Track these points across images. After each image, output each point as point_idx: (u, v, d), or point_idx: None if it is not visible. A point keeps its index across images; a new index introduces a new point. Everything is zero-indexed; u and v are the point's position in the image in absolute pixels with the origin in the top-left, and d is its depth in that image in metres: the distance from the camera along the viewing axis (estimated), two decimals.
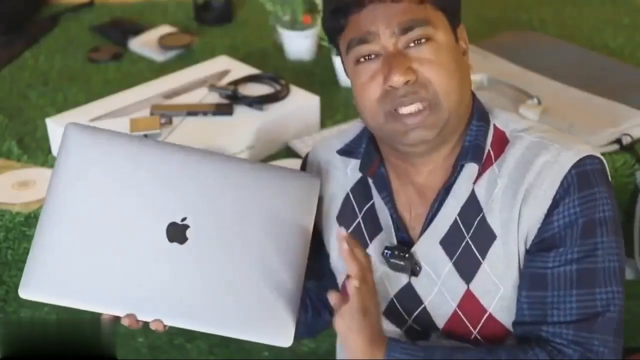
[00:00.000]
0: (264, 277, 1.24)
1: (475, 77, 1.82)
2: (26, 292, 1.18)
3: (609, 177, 1.22)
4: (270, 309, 1.24)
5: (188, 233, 1.22)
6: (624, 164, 1.67)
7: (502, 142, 1.24)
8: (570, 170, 1.17)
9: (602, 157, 1.21)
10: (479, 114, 1.25)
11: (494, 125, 1.25)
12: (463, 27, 1.24)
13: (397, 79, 1.15)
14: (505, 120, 1.26)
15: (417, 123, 1.17)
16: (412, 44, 1.17)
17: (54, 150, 1.75)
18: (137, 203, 1.22)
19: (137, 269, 1.20)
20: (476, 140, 1.23)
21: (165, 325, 1.21)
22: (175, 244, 1.22)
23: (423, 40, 1.16)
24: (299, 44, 2.12)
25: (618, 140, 1.68)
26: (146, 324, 1.21)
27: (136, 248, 1.21)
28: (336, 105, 1.89)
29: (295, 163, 1.66)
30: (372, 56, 1.18)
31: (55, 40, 2.30)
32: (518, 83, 1.82)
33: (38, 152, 1.76)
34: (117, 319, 1.20)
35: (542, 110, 1.73)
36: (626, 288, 1.21)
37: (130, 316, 1.19)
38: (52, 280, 1.18)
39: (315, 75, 2.04)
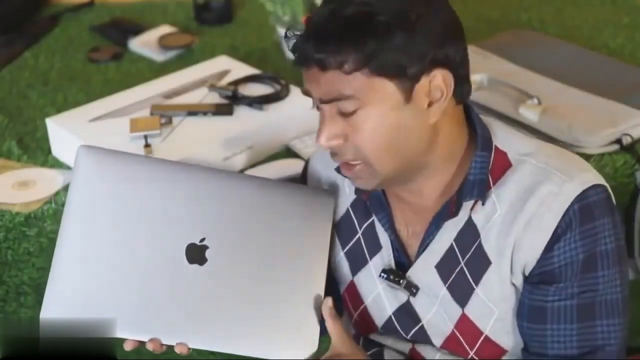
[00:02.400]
0: (285, 295, 1.23)
1: (476, 77, 1.82)
2: (48, 316, 1.16)
3: (614, 203, 1.20)
4: (292, 327, 1.23)
5: (207, 254, 1.21)
6: (624, 164, 1.66)
7: (502, 165, 1.20)
8: (573, 204, 1.15)
9: (606, 185, 1.19)
10: (483, 142, 1.20)
11: (495, 147, 1.21)
12: (438, 75, 1.11)
13: (322, 144, 1.14)
14: (507, 140, 1.23)
15: (352, 176, 1.18)
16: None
17: (54, 150, 1.75)
18: (154, 225, 1.20)
19: (158, 293, 1.18)
20: (480, 174, 1.19)
21: (189, 348, 1.19)
22: (195, 265, 1.20)
23: (349, 111, 1.12)
24: None
25: (618, 140, 1.68)
26: (170, 347, 1.18)
27: (156, 271, 1.19)
28: None
29: (295, 163, 1.66)
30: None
31: (55, 40, 2.30)
32: (518, 83, 1.81)
33: (38, 152, 1.76)
34: (140, 343, 1.18)
35: (542, 110, 1.73)
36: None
37: (155, 341, 1.17)
38: (73, 306, 1.16)
39: None
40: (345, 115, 1.12)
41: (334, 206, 1.32)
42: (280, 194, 1.29)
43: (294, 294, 1.24)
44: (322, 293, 1.26)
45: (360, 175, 1.17)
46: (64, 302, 1.16)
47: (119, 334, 1.17)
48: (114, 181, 1.22)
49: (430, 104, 1.13)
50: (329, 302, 1.23)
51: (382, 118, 1.12)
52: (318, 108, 1.16)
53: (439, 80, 1.12)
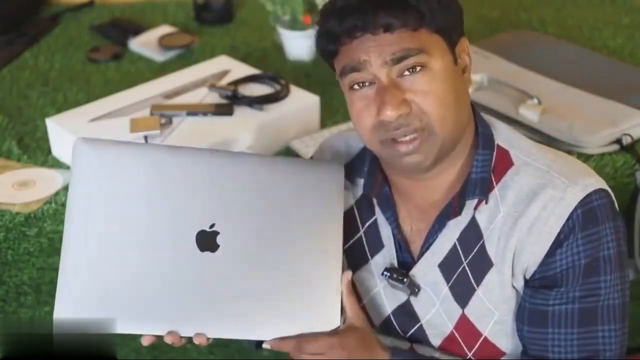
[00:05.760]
0: (302, 273, 1.21)
1: (475, 77, 1.82)
2: (62, 316, 1.13)
3: (616, 208, 1.20)
4: (312, 305, 1.21)
5: (218, 240, 1.18)
6: (624, 164, 1.67)
7: (505, 163, 1.21)
8: (576, 208, 1.15)
9: (608, 190, 1.19)
10: (484, 140, 1.22)
11: (498, 145, 1.22)
12: (465, 41, 1.20)
13: (390, 114, 1.13)
14: (509, 139, 1.24)
15: (411, 150, 1.15)
16: (406, 72, 1.13)
17: (54, 150, 1.75)
18: (162, 214, 1.17)
19: (172, 283, 1.15)
20: (482, 172, 1.20)
21: (208, 338, 1.17)
22: (207, 252, 1.17)
23: (418, 69, 1.13)
24: (299, 44, 2.12)
25: (618, 141, 1.68)
26: (189, 338, 1.17)
27: (168, 261, 1.16)
28: (336, 105, 1.88)
29: None
30: (366, 83, 1.15)
31: (55, 40, 2.30)
32: (518, 83, 1.81)
33: (38, 152, 1.76)
34: (158, 338, 1.16)
35: (542, 110, 1.73)
36: None
37: (173, 334, 1.15)
38: (85, 303, 1.13)
39: (315, 75, 2.04)
40: (408, 76, 1.13)
41: (343, 174, 1.29)
42: (287, 170, 1.26)
43: (311, 271, 1.22)
44: (340, 268, 1.24)
45: (422, 147, 1.15)
46: (76, 300, 1.13)
47: (134, 330, 1.14)
48: (115, 172, 1.17)
49: (464, 71, 1.19)
50: (347, 275, 1.24)
51: (446, 74, 1.14)
52: (360, 85, 1.16)
53: (466, 45, 1.20)
